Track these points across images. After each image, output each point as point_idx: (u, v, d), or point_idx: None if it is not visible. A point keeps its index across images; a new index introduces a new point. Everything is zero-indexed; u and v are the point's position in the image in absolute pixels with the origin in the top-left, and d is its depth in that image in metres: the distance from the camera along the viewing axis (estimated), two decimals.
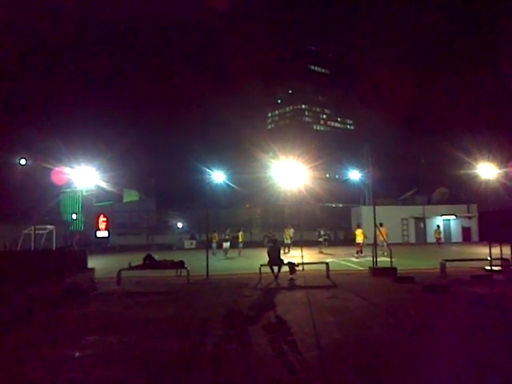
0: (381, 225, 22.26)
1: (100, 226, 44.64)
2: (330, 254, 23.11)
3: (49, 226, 27.13)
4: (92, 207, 52.50)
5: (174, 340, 6.65)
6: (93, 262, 15.37)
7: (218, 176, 19.67)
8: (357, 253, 21.42)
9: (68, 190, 54.04)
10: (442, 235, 30.04)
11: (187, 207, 43.19)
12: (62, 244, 30.95)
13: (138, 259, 14.58)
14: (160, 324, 7.86)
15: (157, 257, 15.14)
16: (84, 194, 56.46)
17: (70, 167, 22.32)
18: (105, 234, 43.46)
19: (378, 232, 19.29)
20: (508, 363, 5.36)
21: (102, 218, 44.96)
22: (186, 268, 13.89)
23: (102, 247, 36.41)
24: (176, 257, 15.91)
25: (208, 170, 19.42)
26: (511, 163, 27.60)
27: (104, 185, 32.12)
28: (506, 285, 11.78)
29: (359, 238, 21.53)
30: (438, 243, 28.22)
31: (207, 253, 15.38)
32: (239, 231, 26.68)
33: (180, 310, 9.29)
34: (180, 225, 43.68)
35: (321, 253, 24.05)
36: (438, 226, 30.35)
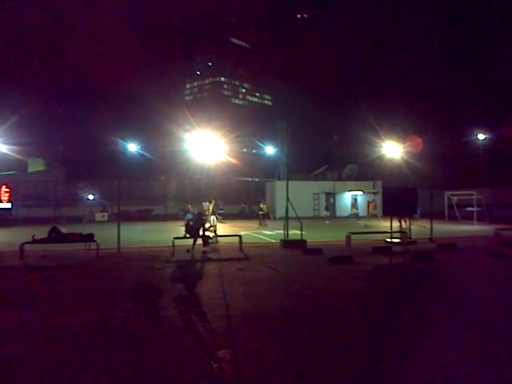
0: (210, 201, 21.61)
1: (2, 198, 41.48)
2: (244, 227, 23.52)
3: None
4: None
5: (81, 315, 6.47)
6: None
7: (131, 147, 19.07)
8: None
9: None
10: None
11: (99, 178, 41.32)
12: None
13: (43, 232, 13.81)
14: (66, 299, 7.58)
15: (64, 230, 14.45)
16: None
17: None
18: (7, 205, 40.48)
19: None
20: (392, 319, 5.91)
21: (4, 189, 41.76)
22: (95, 241, 13.42)
23: (4, 220, 33.92)
24: (86, 230, 15.32)
25: (121, 140, 18.71)
26: (410, 138, 29.58)
27: (5, 152, 29.76)
28: (403, 255, 12.81)
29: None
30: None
31: (119, 225, 14.93)
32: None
33: (87, 284, 9.02)
34: (91, 196, 41.81)
35: (262, 224, 25.34)
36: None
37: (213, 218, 19.68)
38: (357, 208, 31.28)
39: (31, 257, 12.64)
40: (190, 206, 23.99)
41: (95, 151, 43.86)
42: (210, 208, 20.08)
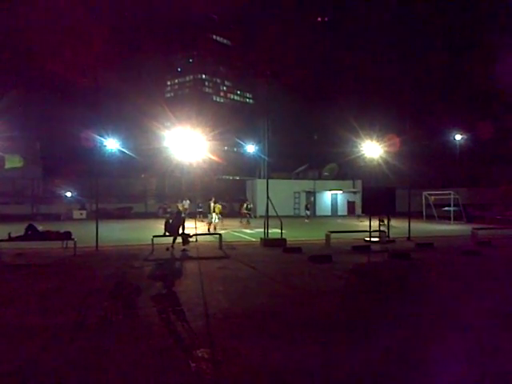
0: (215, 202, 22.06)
1: None
2: (225, 225, 23.48)
3: None
4: None
5: (57, 314, 6.36)
6: None
7: (110, 144, 18.82)
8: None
9: None
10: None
11: (77, 175, 40.67)
12: None
13: (20, 230, 13.54)
14: (42, 298, 7.44)
15: (41, 227, 14.18)
16: None
17: None
18: None
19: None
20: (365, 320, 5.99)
21: None
22: (72, 239, 13.20)
23: None
24: (63, 227, 15.08)
25: (100, 137, 18.45)
26: (389, 138, 29.92)
27: None
28: (382, 254, 12.95)
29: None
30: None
31: (97, 223, 14.73)
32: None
33: (64, 282, 8.87)
34: (69, 194, 41.13)
35: (244, 223, 25.44)
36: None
37: (214, 215, 20.07)
38: None
39: (7, 255, 12.38)
40: (181, 207, 23.83)
41: (73, 148, 43.06)
42: (212, 206, 20.36)
